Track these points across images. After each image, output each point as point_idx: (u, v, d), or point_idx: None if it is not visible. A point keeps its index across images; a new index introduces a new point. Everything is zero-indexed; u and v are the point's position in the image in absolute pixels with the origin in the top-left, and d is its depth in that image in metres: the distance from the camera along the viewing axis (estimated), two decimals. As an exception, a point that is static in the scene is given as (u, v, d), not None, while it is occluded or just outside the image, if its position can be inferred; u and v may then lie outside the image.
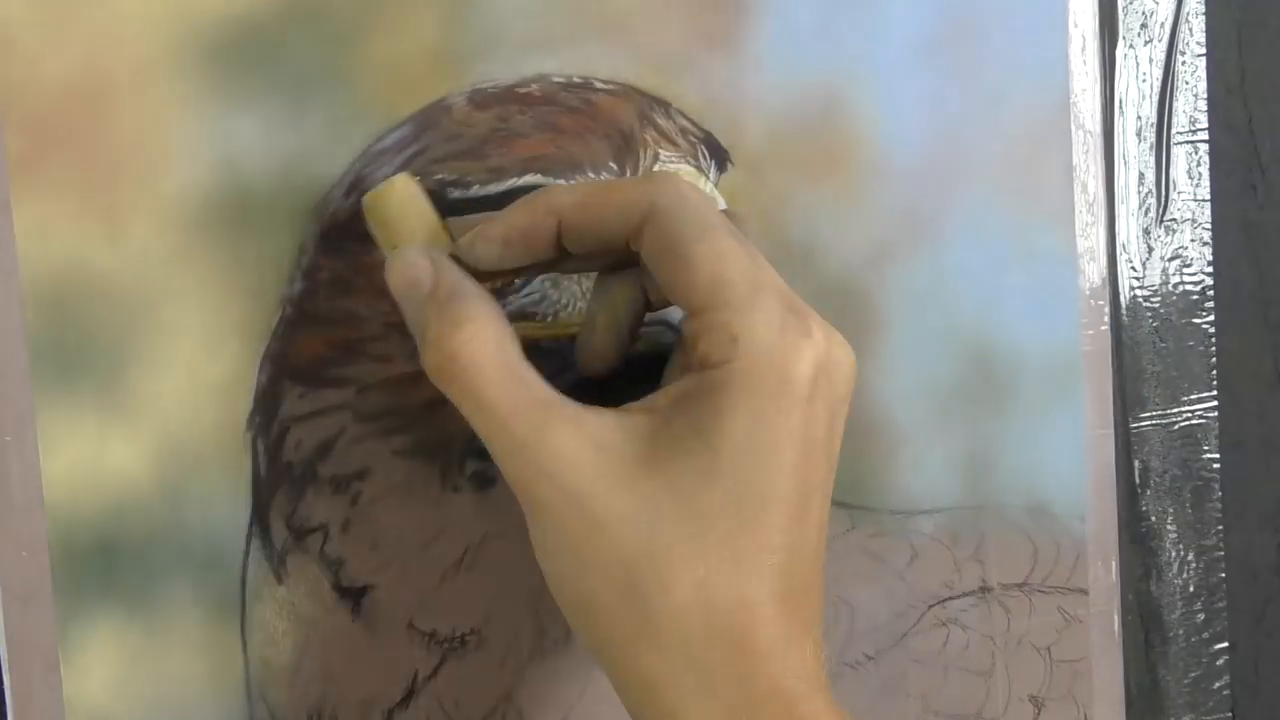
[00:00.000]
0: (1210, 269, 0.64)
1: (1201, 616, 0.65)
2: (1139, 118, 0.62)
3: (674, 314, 0.51)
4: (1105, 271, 0.61)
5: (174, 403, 0.50)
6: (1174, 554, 0.64)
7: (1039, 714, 0.61)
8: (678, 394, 0.45)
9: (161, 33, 0.49)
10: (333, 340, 0.52)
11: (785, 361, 0.45)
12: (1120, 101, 0.62)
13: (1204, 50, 0.63)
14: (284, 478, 0.52)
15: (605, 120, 0.53)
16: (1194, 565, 0.65)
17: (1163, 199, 0.63)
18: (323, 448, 0.52)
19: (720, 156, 0.55)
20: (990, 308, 0.59)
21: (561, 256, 0.48)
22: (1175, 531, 0.64)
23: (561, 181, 0.52)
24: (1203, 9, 0.63)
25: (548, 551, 0.45)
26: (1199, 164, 0.63)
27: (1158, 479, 0.64)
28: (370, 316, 0.52)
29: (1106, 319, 0.61)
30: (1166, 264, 0.63)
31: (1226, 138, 0.64)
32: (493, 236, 0.47)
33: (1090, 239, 0.61)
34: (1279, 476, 0.67)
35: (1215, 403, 0.64)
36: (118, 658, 0.50)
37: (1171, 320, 0.63)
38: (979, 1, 0.58)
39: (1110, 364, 0.61)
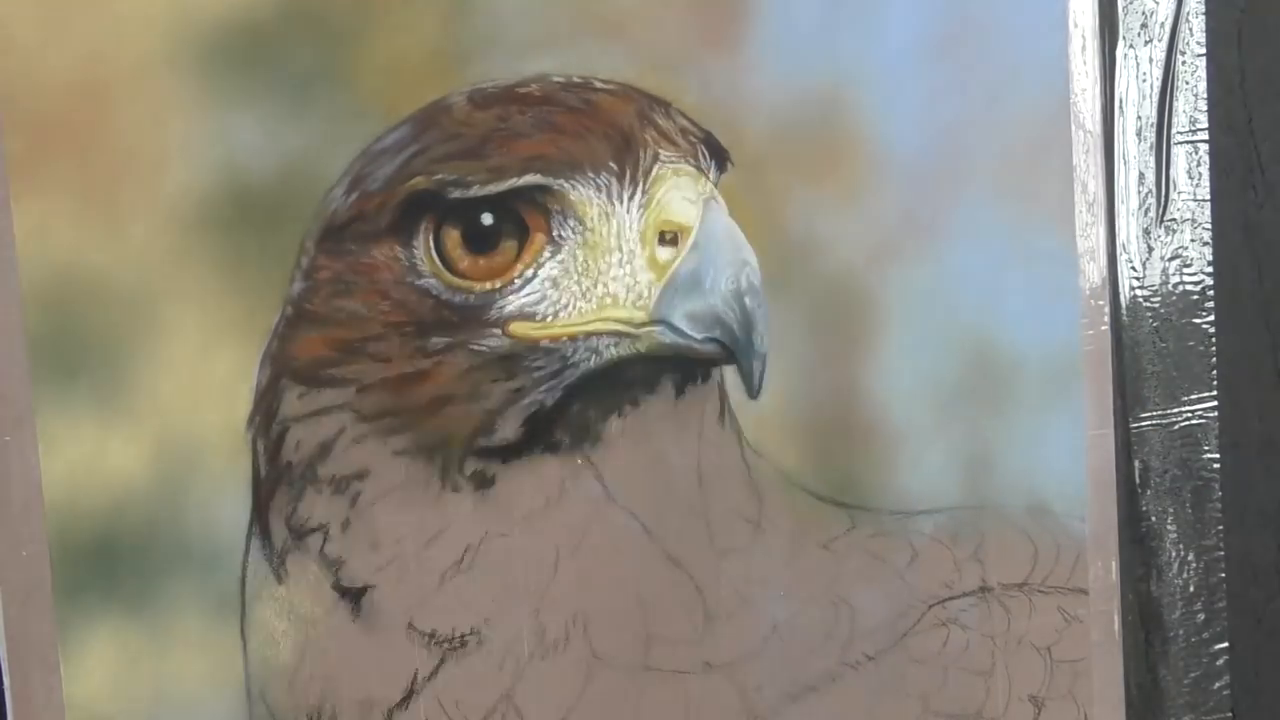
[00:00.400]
0: (1210, 269, 0.64)
1: (1201, 616, 0.65)
2: (1139, 118, 0.62)
3: (674, 313, 0.51)
4: (1105, 271, 0.61)
5: (174, 403, 0.50)
6: (1174, 554, 0.64)
7: (1039, 714, 0.61)
8: None
9: (161, 33, 0.49)
10: (333, 340, 0.52)
11: None
12: (1120, 101, 0.62)
13: (1204, 50, 0.63)
14: (284, 478, 0.52)
15: (605, 120, 0.53)
16: (1194, 565, 0.65)
17: (1163, 199, 0.63)
18: (322, 448, 0.52)
19: (720, 156, 0.55)
20: (990, 307, 0.59)
21: None
22: (1175, 531, 0.64)
23: (561, 181, 0.52)
24: (1203, 9, 0.63)
25: None
26: (1199, 164, 0.63)
27: (1158, 479, 0.64)
28: (370, 316, 0.52)
29: (1106, 319, 0.61)
30: (1166, 264, 0.63)
31: (1226, 138, 0.64)
32: None
33: (1090, 239, 0.61)
34: (1279, 476, 0.67)
35: (1215, 403, 0.64)
36: (118, 658, 0.50)
37: (1171, 320, 0.63)
38: (979, 2, 0.58)
39: (1110, 364, 0.61)
